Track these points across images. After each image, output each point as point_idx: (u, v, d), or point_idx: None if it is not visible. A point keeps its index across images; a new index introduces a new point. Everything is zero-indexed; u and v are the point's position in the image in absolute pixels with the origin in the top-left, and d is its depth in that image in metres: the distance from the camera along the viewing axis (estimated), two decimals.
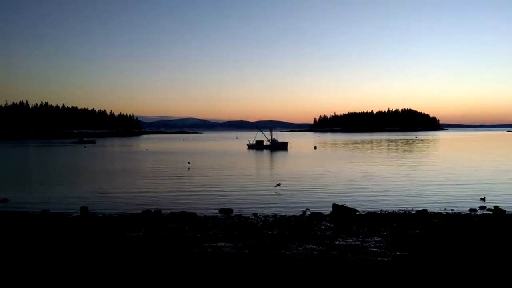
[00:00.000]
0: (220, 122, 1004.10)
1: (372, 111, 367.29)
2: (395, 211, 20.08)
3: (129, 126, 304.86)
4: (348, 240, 13.98)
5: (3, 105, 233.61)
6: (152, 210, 19.77)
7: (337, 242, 13.67)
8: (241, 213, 19.99)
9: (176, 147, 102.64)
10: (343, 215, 18.83)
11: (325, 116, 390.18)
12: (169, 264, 11.02)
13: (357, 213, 19.64)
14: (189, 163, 49.24)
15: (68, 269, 10.59)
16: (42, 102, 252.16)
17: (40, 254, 12.14)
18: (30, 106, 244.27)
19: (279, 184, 28.71)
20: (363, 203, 22.55)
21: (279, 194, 25.89)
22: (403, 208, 20.88)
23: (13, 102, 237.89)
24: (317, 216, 18.75)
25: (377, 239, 14.14)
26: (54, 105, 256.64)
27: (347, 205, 20.50)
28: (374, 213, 19.55)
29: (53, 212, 20.44)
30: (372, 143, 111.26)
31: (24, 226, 16.63)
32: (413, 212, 19.74)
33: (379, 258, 11.53)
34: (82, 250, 12.54)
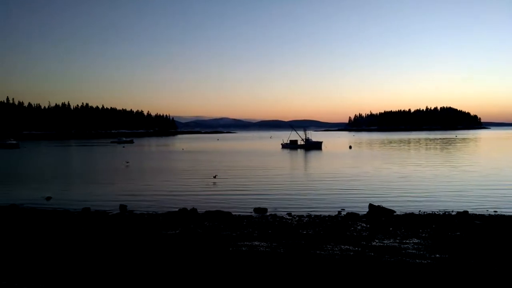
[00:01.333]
0: (254, 121, 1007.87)
1: (409, 109, 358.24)
2: (434, 212, 19.49)
3: (165, 126, 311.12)
4: (385, 241, 13.70)
5: (46, 107, 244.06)
6: (188, 209, 20.07)
7: (374, 243, 13.42)
8: (276, 213, 19.98)
9: (211, 147, 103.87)
10: (379, 216, 18.46)
11: (360, 115, 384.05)
12: (205, 262, 11.18)
13: (395, 214, 19.20)
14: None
15: (108, 264, 10.95)
16: (83, 103, 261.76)
17: (83, 250, 12.60)
18: (71, 107, 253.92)
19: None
20: (401, 204, 22.03)
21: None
22: (443, 209, 20.24)
23: (56, 104, 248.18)
24: (353, 217, 18.48)
25: (416, 240, 13.79)
26: (94, 106, 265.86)
27: (384, 206, 20.10)
28: (412, 214, 19.06)
29: (94, 210, 21.15)
30: (409, 143, 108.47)
31: (67, 224, 17.29)
32: (454, 213, 19.10)
33: (417, 260, 11.25)
34: (122, 247, 12.91)
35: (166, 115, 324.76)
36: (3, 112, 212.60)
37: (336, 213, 19.88)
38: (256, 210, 20.86)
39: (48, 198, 25.29)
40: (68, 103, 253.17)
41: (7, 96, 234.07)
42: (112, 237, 14.41)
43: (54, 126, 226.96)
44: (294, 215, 19.38)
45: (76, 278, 9.86)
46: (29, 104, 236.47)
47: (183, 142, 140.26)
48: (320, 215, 19.18)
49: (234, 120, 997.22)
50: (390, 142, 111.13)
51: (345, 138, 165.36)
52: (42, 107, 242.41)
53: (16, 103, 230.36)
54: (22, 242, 13.63)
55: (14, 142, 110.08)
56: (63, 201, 24.52)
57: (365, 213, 19.31)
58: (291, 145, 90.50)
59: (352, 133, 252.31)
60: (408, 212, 19.62)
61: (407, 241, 13.76)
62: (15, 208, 21.42)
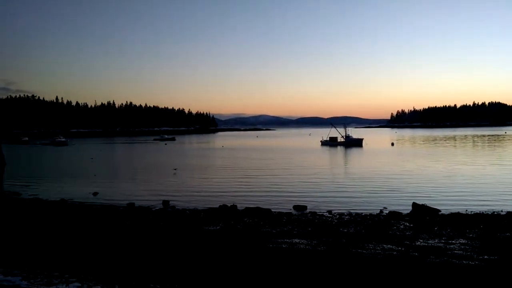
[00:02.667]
0: (293, 118, 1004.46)
1: (455, 104, 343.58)
2: (482, 212, 18.69)
3: (206, 123, 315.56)
4: (430, 242, 13.29)
5: (93, 106, 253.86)
6: (229, 205, 20.30)
7: (418, 243, 13.06)
8: (316, 210, 19.84)
9: (250, 144, 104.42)
10: (424, 215, 17.91)
11: (403, 111, 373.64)
12: (245, 258, 11.28)
13: (440, 213, 18.56)
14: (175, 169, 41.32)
15: (152, 257, 11.28)
16: (127, 102, 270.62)
17: (128, 243, 13.04)
18: (116, 106, 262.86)
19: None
20: (446, 203, 21.27)
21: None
22: (491, 209, 19.37)
23: (102, 103, 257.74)
24: (396, 216, 18.04)
25: (462, 241, 13.29)
26: (137, 104, 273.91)
27: (428, 205, 19.48)
28: (458, 213, 18.35)
29: (138, 205, 21.81)
30: (455, 139, 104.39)
31: (113, 218, 17.94)
32: (503, 213, 18.25)
33: (464, 262, 10.84)
34: (165, 241, 13.26)
35: (206, 113, 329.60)
36: (53, 111, 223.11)
37: (378, 211, 19.48)
38: (296, 207, 20.80)
39: (95, 194, 26.31)
40: (113, 102, 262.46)
41: (56, 96, 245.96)
42: (155, 232, 14.82)
43: (100, 124, 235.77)
44: (334, 213, 19.17)
45: (123, 269, 10.23)
46: (77, 103, 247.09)
47: (223, 139, 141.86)
48: (361, 213, 18.86)
49: (274, 117, 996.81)
50: (435, 139, 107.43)
51: (387, 135, 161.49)
52: (89, 106, 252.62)
53: (65, 102, 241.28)
54: (71, 235, 14.27)
55: (63, 139, 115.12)
56: (109, 196, 25.43)
57: (409, 212, 18.79)
58: (331, 142, 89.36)
59: (394, 130, 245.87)
60: (454, 211, 18.90)
61: (453, 241, 13.29)
62: (64, 202, 22.47)
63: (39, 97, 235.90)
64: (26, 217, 17.68)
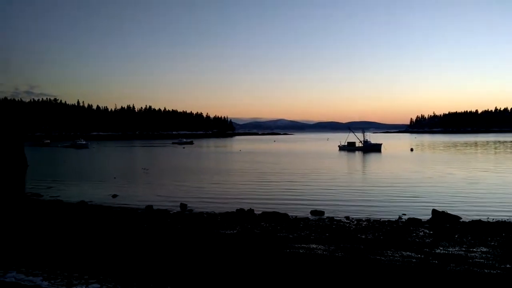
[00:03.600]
0: (311, 123, 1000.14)
1: (476, 110, 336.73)
2: (504, 220, 18.25)
3: (224, 127, 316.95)
4: (450, 249, 13.04)
5: (113, 109, 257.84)
6: (245, 209, 20.32)
7: (438, 251, 12.83)
8: (333, 216, 19.69)
9: (267, 148, 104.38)
10: (444, 222, 17.60)
11: (422, 116, 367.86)
12: (262, 262, 11.26)
13: (460, 220, 18.22)
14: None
15: (169, 259, 11.36)
16: (146, 106, 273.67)
17: (146, 245, 13.17)
18: (136, 109, 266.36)
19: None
20: (467, 210, 20.85)
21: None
22: None
23: (122, 106, 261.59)
24: (415, 222, 17.77)
25: (484, 249, 13.00)
26: (156, 108, 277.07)
27: (448, 212, 19.13)
28: (479, 221, 17.95)
29: (156, 208, 22.01)
30: (476, 146, 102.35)
31: (131, 220, 18.15)
32: None
33: (486, 270, 10.61)
34: (182, 244, 13.34)
35: (224, 117, 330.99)
36: (74, 114, 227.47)
37: (397, 218, 19.22)
38: (313, 212, 20.68)
39: (114, 196, 26.67)
40: (133, 106, 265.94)
41: (78, 99, 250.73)
42: (173, 235, 14.93)
43: (120, 127, 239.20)
44: (352, 218, 19.00)
45: (141, 271, 10.33)
46: (98, 107, 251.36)
47: (240, 144, 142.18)
48: (380, 219, 18.65)
49: (291, 121, 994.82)
50: (455, 145, 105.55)
51: (406, 140, 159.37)
52: (109, 109, 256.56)
53: (86, 106, 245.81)
54: (90, 237, 14.49)
55: (84, 142, 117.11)
56: (128, 199, 25.75)
57: (428, 219, 18.49)
58: (349, 147, 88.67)
59: (414, 135, 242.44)
60: (475, 219, 18.52)
61: (474, 249, 13.01)
62: (84, 204, 22.83)
63: (61, 100, 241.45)
64: (47, 219, 18.03)
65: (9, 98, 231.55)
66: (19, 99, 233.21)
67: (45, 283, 9.50)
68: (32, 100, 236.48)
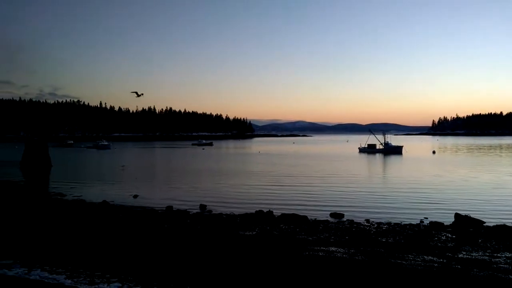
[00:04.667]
0: (330, 125, 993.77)
1: (501, 112, 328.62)
2: None
3: (243, 129, 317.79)
4: (473, 254, 12.78)
5: (134, 111, 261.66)
6: (264, 211, 20.31)
7: (461, 255, 12.58)
8: (353, 219, 19.50)
9: (287, 150, 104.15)
10: (467, 227, 17.23)
11: (445, 118, 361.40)
12: (281, 265, 11.25)
13: (484, 224, 17.80)
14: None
15: (189, 260, 11.45)
16: (167, 107, 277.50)
17: (166, 245, 13.31)
18: (157, 111, 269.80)
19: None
20: (491, 215, 20.37)
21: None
22: None
23: (143, 108, 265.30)
24: (437, 226, 17.46)
25: (508, 254, 12.68)
26: (177, 110, 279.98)
27: (471, 216, 18.72)
28: (504, 226, 17.47)
29: (176, 209, 22.23)
30: (501, 148, 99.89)
31: (152, 220, 18.37)
32: None
33: (510, 276, 10.35)
34: (201, 245, 13.44)
35: (243, 119, 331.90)
36: (97, 116, 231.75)
37: (418, 221, 18.91)
38: (333, 215, 20.54)
39: (135, 196, 27.04)
40: (154, 108, 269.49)
41: (100, 101, 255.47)
42: (192, 235, 15.05)
43: (141, 128, 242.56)
44: (373, 222, 18.79)
45: (161, 271, 10.45)
46: (119, 108, 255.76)
47: (259, 145, 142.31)
48: (401, 223, 18.39)
49: (310, 123, 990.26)
50: (479, 148, 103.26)
51: (428, 142, 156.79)
52: (131, 111, 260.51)
53: (108, 107, 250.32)
54: (112, 236, 14.73)
55: (106, 143, 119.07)
56: (149, 199, 26.06)
57: (451, 223, 18.12)
58: (369, 149, 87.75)
59: (436, 138, 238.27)
60: (499, 223, 18.06)
61: (498, 254, 12.71)
62: (106, 204, 23.22)
63: (84, 102, 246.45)
64: (70, 218, 18.41)
65: (34, 99, 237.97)
66: (44, 101, 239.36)
67: (68, 281, 9.70)
68: (56, 101, 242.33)
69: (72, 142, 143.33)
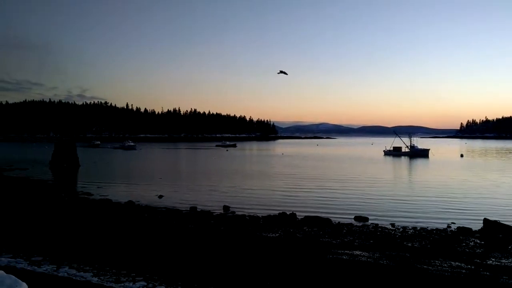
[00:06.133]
0: (355, 127, 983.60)
1: None
2: None
3: (266, 131, 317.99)
4: (503, 261, 12.41)
5: (160, 112, 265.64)
6: (288, 213, 20.27)
7: (489, 262, 12.24)
8: (378, 222, 19.24)
9: (310, 152, 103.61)
10: (496, 232, 16.75)
11: (473, 121, 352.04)
12: (305, 268, 11.20)
13: None
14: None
15: (213, 260, 11.54)
16: (191, 109, 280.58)
17: (190, 245, 13.45)
18: (181, 112, 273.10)
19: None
20: None
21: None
22: None
23: (168, 109, 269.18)
24: (465, 231, 17.04)
25: None
26: (201, 111, 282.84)
27: (501, 222, 18.19)
28: None
29: (200, 209, 22.44)
30: None
31: (177, 220, 18.60)
32: None
33: None
34: (224, 245, 13.52)
35: (267, 120, 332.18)
36: (123, 117, 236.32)
37: (445, 226, 18.50)
38: (357, 218, 20.31)
39: (160, 197, 27.42)
40: (179, 109, 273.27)
41: (127, 103, 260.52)
42: (216, 236, 15.16)
43: (166, 129, 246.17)
44: (398, 226, 18.49)
45: (186, 270, 10.58)
46: (145, 109, 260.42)
47: (283, 147, 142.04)
48: (427, 227, 18.03)
49: (334, 125, 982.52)
50: (509, 152, 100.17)
51: (455, 145, 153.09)
52: (156, 112, 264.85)
53: (134, 109, 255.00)
54: (138, 236, 14.99)
55: (132, 144, 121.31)
56: (173, 199, 26.38)
57: (479, 228, 17.65)
58: (395, 152, 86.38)
59: (464, 141, 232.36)
60: None
61: None
62: (132, 204, 23.64)
63: (111, 103, 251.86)
64: (97, 217, 18.83)
65: (63, 101, 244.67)
66: (72, 102, 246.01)
67: (95, 279, 9.93)
68: (84, 103, 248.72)
69: (99, 142, 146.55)
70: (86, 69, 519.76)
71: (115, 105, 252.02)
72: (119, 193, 29.24)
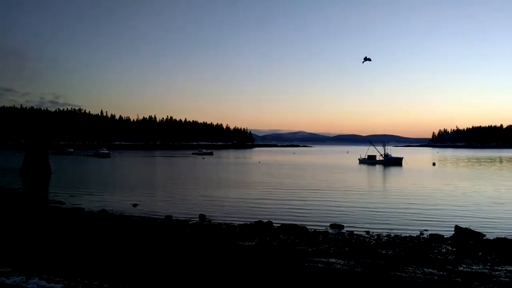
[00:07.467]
0: (330, 135, 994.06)
1: (501, 124, 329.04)
2: None
3: (243, 139, 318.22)
4: (474, 267, 12.71)
5: (135, 119, 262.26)
6: (264, 221, 20.25)
7: (461, 268, 12.51)
8: (353, 230, 19.45)
9: (287, 160, 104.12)
10: (467, 239, 17.17)
11: (445, 130, 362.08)
12: (280, 276, 11.18)
13: (484, 237, 17.74)
14: None
15: (187, 270, 11.39)
16: (167, 116, 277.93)
17: (164, 255, 13.25)
18: (157, 120, 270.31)
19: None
20: (491, 228, 20.30)
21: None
22: None
23: (144, 117, 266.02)
24: (437, 238, 17.39)
25: (509, 268, 12.62)
26: (177, 119, 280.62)
27: (471, 228, 18.66)
28: (504, 238, 17.40)
29: (175, 218, 22.16)
30: (501, 161, 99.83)
31: (151, 230, 18.31)
32: None
33: None
34: (200, 255, 13.37)
35: (244, 129, 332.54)
36: (98, 124, 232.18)
37: (418, 233, 18.84)
38: (333, 226, 20.47)
39: (135, 205, 26.96)
40: (155, 117, 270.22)
41: (101, 109, 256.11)
42: (191, 245, 14.98)
43: (141, 137, 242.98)
44: (372, 233, 18.72)
45: (160, 281, 10.39)
46: (120, 117, 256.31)
47: (259, 155, 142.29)
48: (400, 235, 18.33)
49: (310, 134, 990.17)
50: (479, 160, 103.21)
51: (428, 154, 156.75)
52: (131, 119, 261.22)
53: (109, 116, 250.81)
54: (110, 246, 14.66)
55: (106, 151, 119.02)
56: (148, 208, 25.98)
57: (451, 235, 18.07)
58: (369, 160, 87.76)
59: (436, 150, 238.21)
60: (500, 236, 17.98)
61: (498, 268, 12.65)
62: (105, 213, 23.14)
63: (85, 110, 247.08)
64: (68, 226, 18.34)
65: (35, 107, 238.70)
66: (45, 109, 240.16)
67: None
68: (57, 109, 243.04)
69: (72, 150, 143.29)
70: (60, 75, 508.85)
71: (89, 112, 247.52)
72: (92, 201, 28.61)
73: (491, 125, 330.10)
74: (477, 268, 12.64)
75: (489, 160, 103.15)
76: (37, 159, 50.85)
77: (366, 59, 30.22)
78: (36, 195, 32.60)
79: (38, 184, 41.58)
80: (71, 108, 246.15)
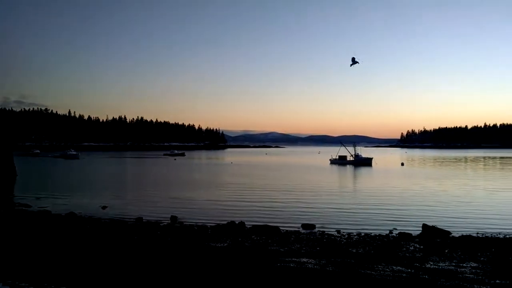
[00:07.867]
0: (302, 136, 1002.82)
1: (466, 126, 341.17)
2: (494, 235, 18.37)
3: (215, 139, 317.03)
4: (440, 264, 13.08)
5: (105, 120, 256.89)
6: (236, 222, 20.21)
7: (428, 266, 12.85)
8: (324, 229, 19.69)
9: (259, 161, 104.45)
10: (434, 237, 17.67)
11: (413, 131, 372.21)
12: (252, 276, 11.19)
13: (450, 235, 18.31)
14: None
15: (158, 273, 11.25)
16: (138, 117, 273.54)
17: (135, 258, 13.03)
18: (127, 120, 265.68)
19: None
20: (457, 225, 20.98)
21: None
22: (503, 232, 19.05)
23: (113, 117, 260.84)
24: (405, 237, 17.82)
25: (474, 264, 13.05)
26: (148, 119, 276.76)
27: (438, 227, 19.23)
28: (469, 236, 18.04)
29: (146, 220, 21.82)
30: (466, 161, 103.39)
31: (121, 232, 17.96)
32: None
33: (476, 286, 10.64)
34: (171, 257, 13.22)
35: (216, 129, 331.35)
36: (65, 125, 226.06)
37: (387, 232, 19.26)
38: (304, 226, 20.65)
39: (104, 207, 26.39)
40: (125, 117, 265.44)
41: (69, 110, 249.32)
42: (162, 247, 14.79)
43: (111, 138, 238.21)
44: (343, 232, 19.00)
45: (129, 284, 10.21)
46: (89, 117, 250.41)
47: (232, 156, 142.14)
48: (370, 233, 18.67)
49: (282, 134, 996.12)
50: (445, 160, 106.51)
51: (396, 154, 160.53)
52: (101, 120, 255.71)
53: (77, 116, 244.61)
54: (78, 249, 14.30)
55: (74, 152, 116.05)
56: (118, 210, 25.49)
57: (418, 233, 18.56)
58: (340, 161, 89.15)
59: (405, 150, 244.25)
60: (465, 234, 18.61)
61: (464, 264, 13.06)
62: (73, 216, 22.55)
63: (52, 110, 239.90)
64: (35, 230, 17.77)
65: None
66: (10, 109, 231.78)
67: None
68: (22, 109, 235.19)
69: (38, 151, 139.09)
70: (25, 74, 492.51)
71: (56, 112, 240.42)
72: (59, 204, 27.83)
73: (456, 126, 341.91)
74: (443, 265, 13.01)
75: (455, 160, 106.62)
76: (1, 161, 49.02)
77: (354, 61, 30.02)
78: (0, 198, 31.44)
79: (2, 186, 40.08)
80: (37, 108, 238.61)
